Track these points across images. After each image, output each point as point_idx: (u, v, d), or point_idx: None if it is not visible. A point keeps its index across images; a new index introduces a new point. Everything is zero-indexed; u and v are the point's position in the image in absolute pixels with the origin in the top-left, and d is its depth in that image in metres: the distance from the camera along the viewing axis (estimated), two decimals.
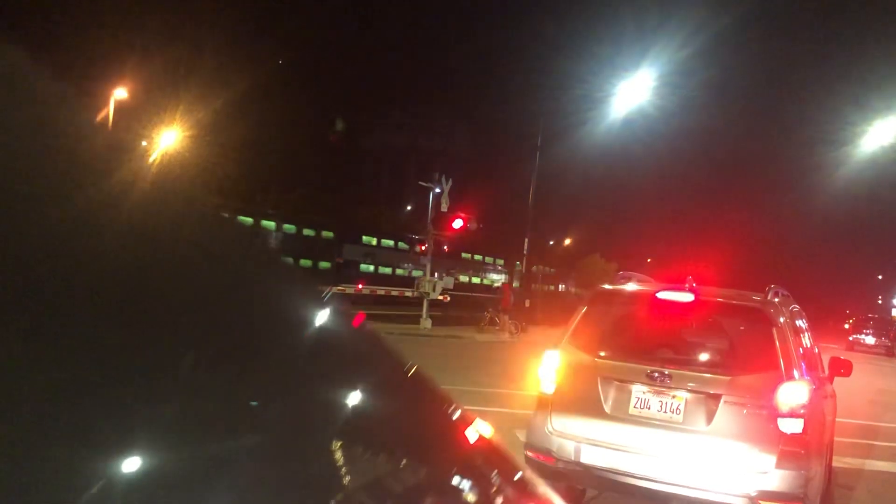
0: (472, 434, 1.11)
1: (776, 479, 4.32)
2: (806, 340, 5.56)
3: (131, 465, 0.58)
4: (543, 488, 1.17)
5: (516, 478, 1.14)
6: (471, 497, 1.01)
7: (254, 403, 0.72)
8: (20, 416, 0.54)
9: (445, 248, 24.08)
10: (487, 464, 1.12)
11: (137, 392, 0.63)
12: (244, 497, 0.66)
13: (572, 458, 4.75)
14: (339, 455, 0.84)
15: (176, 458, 0.63)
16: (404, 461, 0.95)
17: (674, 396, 4.66)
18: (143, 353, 0.67)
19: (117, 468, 0.57)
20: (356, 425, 0.89)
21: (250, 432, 0.73)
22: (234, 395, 0.74)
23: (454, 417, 1.12)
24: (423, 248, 23.32)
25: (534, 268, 32.97)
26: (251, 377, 0.78)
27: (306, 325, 0.97)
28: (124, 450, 0.58)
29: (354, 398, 0.94)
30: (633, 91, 25.30)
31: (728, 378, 4.61)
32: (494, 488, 1.07)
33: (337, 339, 1.03)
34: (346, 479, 0.83)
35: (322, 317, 0.98)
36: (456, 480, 1.02)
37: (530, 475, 1.16)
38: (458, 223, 22.81)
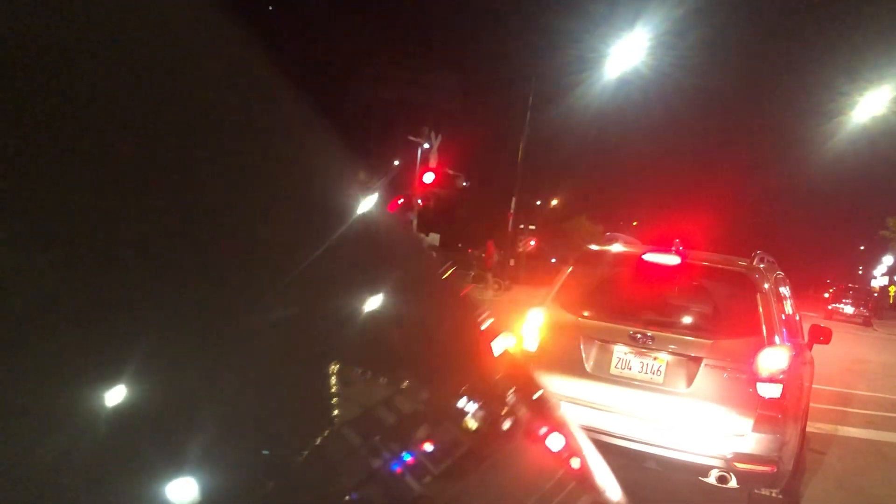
0: (498, 346, 1.09)
1: (752, 441, 4.37)
2: (788, 307, 5.59)
3: (136, 387, 0.54)
4: (560, 410, 1.16)
5: (535, 396, 1.13)
6: (488, 411, 0.99)
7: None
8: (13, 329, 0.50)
9: (429, 203, 23.78)
10: (508, 378, 1.11)
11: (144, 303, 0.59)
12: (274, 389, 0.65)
13: None
14: (368, 350, 0.82)
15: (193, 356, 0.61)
16: (433, 363, 0.94)
17: (655, 358, 4.68)
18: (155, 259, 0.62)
19: (128, 384, 0.54)
20: (388, 322, 0.88)
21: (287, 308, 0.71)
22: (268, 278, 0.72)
23: (483, 327, 1.10)
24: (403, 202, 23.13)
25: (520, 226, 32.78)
26: (289, 262, 0.76)
27: (349, 215, 0.93)
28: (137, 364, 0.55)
29: (392, 293, 0.91)
30: (627, 51, 24.96)
31: (710, 341, 4.62)
32: (509, 406, 1.06)
33: (380, 237, 1.00)
34: (372, 378, 0.82)
35: (366, 205, 0.95)
36: (477, 391, 1.00)
37: (549, 395, 1.15)
38: (428, 177, 22.24)
